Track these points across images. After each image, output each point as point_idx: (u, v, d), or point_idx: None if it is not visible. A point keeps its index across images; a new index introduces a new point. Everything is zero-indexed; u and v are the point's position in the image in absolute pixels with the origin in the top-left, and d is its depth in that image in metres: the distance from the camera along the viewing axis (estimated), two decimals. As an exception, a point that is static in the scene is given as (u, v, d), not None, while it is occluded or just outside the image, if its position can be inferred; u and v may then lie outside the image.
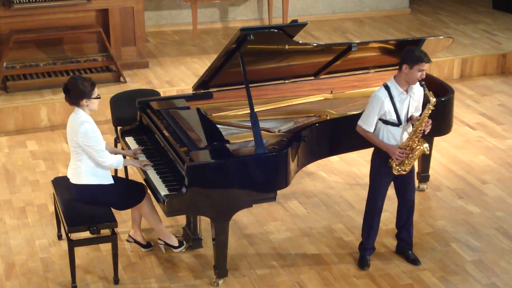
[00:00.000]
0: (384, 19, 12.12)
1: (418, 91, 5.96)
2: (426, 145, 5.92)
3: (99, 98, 5.93)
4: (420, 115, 5.91)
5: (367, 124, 5.94)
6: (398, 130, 5.93)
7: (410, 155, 5.92)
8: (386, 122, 5.92)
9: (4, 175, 7.74)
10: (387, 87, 5.89)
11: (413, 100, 5.94)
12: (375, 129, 5.96)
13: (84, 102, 5.85)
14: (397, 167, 5.96)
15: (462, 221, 6.94)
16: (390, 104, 5.86)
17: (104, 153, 5.89)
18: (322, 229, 6.83)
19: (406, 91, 5.89)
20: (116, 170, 6.95)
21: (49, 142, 8.47)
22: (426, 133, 5.91)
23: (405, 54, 5.85)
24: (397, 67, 7.38)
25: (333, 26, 11.74)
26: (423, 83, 5.84)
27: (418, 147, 5.91)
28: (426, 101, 5.90)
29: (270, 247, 6.56)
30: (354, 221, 6.88)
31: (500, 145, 8.44)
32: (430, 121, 5.88)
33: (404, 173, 5.98)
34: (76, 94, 5.84)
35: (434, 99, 5.83)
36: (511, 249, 6.53)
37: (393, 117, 5.89)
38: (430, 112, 5.84)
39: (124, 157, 6.32)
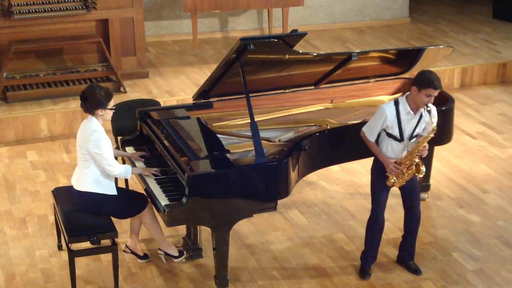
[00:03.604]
0: (384, 28, 12.13)
1: (426, 115, 5.89)
2: (423, 169, 5.86)
3: (114, 109, 5.97)
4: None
5: (370, 133, 5.96)
6: (399, 146, 5.93)
7: (405, 171, 5.92)
8: (389, 135, 5.92)
9: (4, 186, 7.73)
10: (396, 103, 5.87)
11: (423, 121, 5.89)
12: (379, 137, 5.97)
13: (99, 111, 5.88)
14: (392, 180, 5.96)
15: (463, 231, 6.93)
16: (395, 119, 5.85)
17: (113, 162, 5.91)
18: (323, 238, 6.82)
19: (415, 111, 5.85)
20: (116, 180, 6.94)
21: (49, 153, 8.46)
22: (423, 155, 5.90)
23: (417, 75, 5.79)
24: (397, 76, 7.44)
25: (333, 36, 11.75)
26: (429, 109, 5.76)
27: (412, 168, 5.89)
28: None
29: (271, 257, 6.55)
30: (355, 231, 6.87)
31: (500, 154, 8.43)
32: (427, 147, 5.87)
33: (396, 186, 5.99)
34: (92, 103, 5.86)
35: (435, 126, 5.77)
36: (512, 258, 6.53)
37: (396, 133, 5.89)
38: (429, 138, 5.82)
39: (134, 164, 6.35)
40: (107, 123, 7.02)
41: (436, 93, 5.74)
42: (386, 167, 5.93)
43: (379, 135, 5.99)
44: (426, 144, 5.86)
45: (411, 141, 5.92)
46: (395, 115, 5.86)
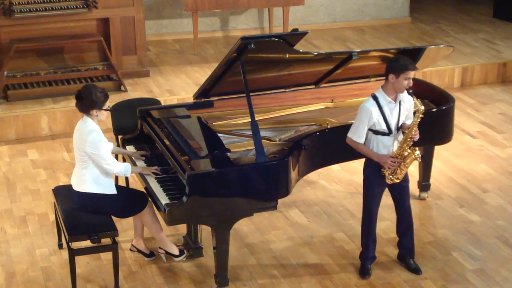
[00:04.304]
0: (385, 28, 12.14)
1: (408, 99, 5.99)
2: (417, 153, 5.88)
3: (109, 110, 5.97)
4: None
5: (357, 135, 5.95)
6: (388, 139, 5.94)
7: (402, 163, 5.92)
8: (376, 132, 5.93)
9: (5, 184, 7.74)
10: (375, 97, 5.91)
11: (403, 108, 5.95)
12: (366, 139, 5.98)
13: (94, 112, 5.87)
14: (390, 176, 5.97)
15: (463, 230, 6.93)
16: (379, 114, 5.88)
17: (111, 161, 5.91)
18: (323, 238, 6.82)
19: (394, 99, 5.90)
20: (117, 178, 6.95)
21: (49, 151, 8.47)
22: (415, 140, 5.90)
23: (390, 63, 5.88)
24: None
25: (334, 35, 11.76)
26: (410, 91, 5.88)
27: (409, 156, 5.90)
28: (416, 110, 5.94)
29: (271, 256, 6.55)
30: (355, 230, 6.87)
31: (500, 153, 8.44)
32: (417, 131, 5.88)
33: (398, 181, 5.98)
34: (88, 103, 5.85)
35: (423, 108, 5.87)
36: (512, 258, 6.53)
37: (383, 127, 5.90)
38: (419, 120, 5.84)
39: (135, 163, 6.36)
40: (108, 122, 7.05)
41: (413, 74, 5.84)
42: (384, 164, 5.93)
43: (366, 137, 6.00)
44: (416, 128, 5.88)
45: (399, 131, 5.95)
46: (378, 109, 5.88)
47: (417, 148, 5.88)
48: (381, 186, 6.07)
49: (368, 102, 5.91)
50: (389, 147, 5.95)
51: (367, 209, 6.16)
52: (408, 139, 5.87)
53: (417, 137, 5.90)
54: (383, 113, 5.88)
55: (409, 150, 5.90)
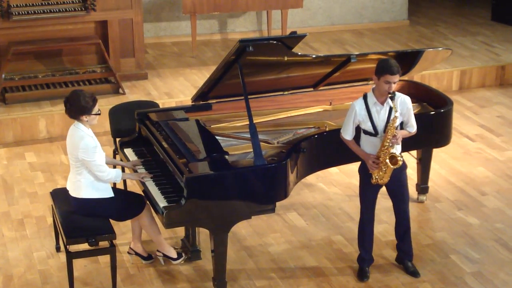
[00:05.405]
0: (383, 30, 12.14)
1: (402, 104, 5.93)
2: (400, 158, 5.80)
3: (99, 114, 5.95)
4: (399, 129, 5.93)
5: (344, 131, 6.02)
6: (377, 140, 5.94)
7: (383, 167, 5.90)
8: (365, 131, 5.97)
9: (3, 187, 7.73)
10: (365, 97, 5.94)
11: (393, 113, 5.89)
12: (359, 138, 5.99)
13: (84, 117, 5.85)
14: (374, 177, 5.96)
15: (461, 233, 6.93)
16: (365, 113, 5.90)
17: (103, 168, 5.89)
18: (321, 241, 6.82)
19: (382, 102, 5.88)
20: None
21: (47, 154, 8.46)
22: (395, 143, 5.86)
23: (376, 64, 5.86)
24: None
25: (332, 38, 11.76)
26: (390, 95, 5.80)
27: (388, 162, 5.86)
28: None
29: (269, 259, 6.55)
30: (353, 233, 6.85)
31: (499, 156, 8.44)
32: (398, 135, 5.85)
33: (381, 182, 5.97)
34: (76, 109, 5.83)
35: (396, 115, 5.79)
36: (510, 260, 6.51)
37: (369, 127, 5.91)
38: (394, 124, 5.80)
39: (123, 170, 6.35)
40: (106, 125, 7.05)
41: (394, 78, 5.76)
42: (366, 163, 5.95)
43: (359, 136, 5.99)
44: (395, 132, 5.84)
45: None
46: (364, 108, 5.90)
47: (398, 156, 5.83)
48: (373, 188, 6.07)
49: (357, 100, 5.95)
50: (378, 148, 5.95)
51: (361, 210, 6.18)
52: (385, 144, 5.84)
53: (395, 141, 5.86)
54: (369, 113, 5.89)
55: (390, 154, 5.84)
